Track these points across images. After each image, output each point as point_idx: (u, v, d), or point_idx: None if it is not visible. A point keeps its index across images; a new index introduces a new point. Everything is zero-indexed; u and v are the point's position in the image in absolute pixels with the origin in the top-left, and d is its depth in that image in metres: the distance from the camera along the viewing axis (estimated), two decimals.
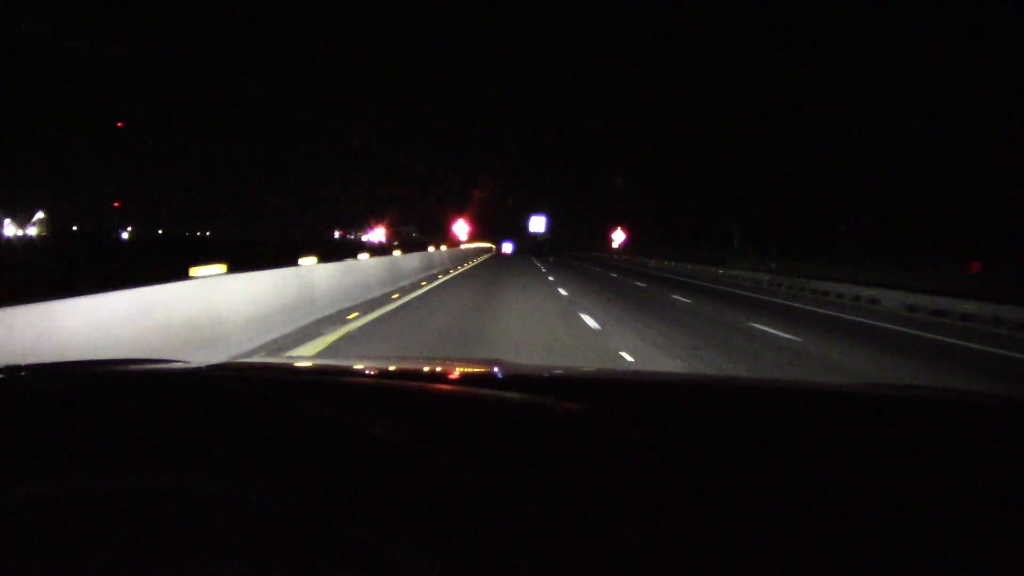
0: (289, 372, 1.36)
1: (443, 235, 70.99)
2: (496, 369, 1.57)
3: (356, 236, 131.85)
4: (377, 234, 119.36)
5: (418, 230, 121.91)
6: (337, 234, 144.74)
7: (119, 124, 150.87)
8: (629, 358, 7.83)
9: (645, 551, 0.62)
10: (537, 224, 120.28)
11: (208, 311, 6.71)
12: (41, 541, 0.51)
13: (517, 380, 1.41)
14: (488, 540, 0.50)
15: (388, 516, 0.51)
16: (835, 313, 16.69)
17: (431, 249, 26.42)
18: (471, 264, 35.87)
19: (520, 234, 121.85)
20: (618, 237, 77.16)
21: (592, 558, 0.54)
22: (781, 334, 11.12)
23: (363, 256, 14.95)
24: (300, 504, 0.51)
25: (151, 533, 0.51)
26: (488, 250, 79.73)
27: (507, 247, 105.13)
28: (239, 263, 8.65)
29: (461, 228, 65.09)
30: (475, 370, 1.64)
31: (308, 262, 10.80)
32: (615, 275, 32.05)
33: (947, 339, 12.29)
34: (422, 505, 0.52)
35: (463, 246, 53.86)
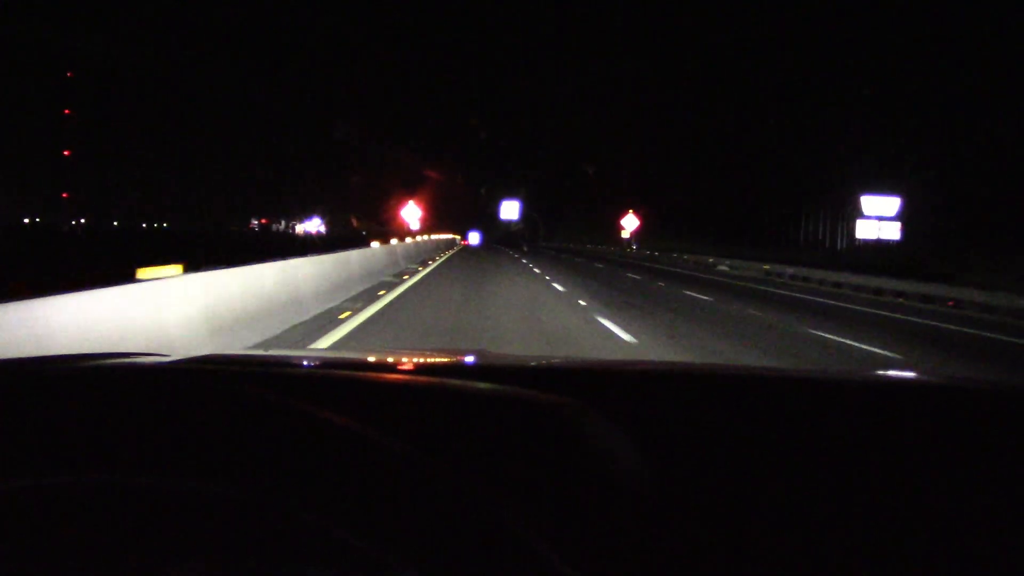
0: (266, 365, 1.32)
1: (392, 224, 50.64)
2: (474, 359, 1.56)
3: (289, 227, 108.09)
4: (314, 224, 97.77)
5: (362, 216, 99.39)
6: (255, 223, 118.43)
7: (66, 112, 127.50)
8: None
9: (629, 548, 0.62)
10: (510, 210, 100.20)
11: None
12: (14, 537, 0.51)
13: (496, 371, 1.38)
14: (467, 537, 0.50)
15: (359, 510, 0.51)
16: None
17: (304, 260, 10.22)
18: (418, 275, 15.64)
19: (489, 222, 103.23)
20: (629, 224, 55.92)
21: (571, 556, 0.54)
22: None
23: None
24: (274, 499, 0.51)
25: (126, 528, 0.52)
26: (451, 243, 58.30)
27: (474, 237, 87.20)
28: None
29: (412, 213, 42.58)
30: (458, 360, 1.62)
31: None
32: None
33: None
34: (393, 498, 0.52)
35: (415, 239, 33.42)
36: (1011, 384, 1.37)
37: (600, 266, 30.40)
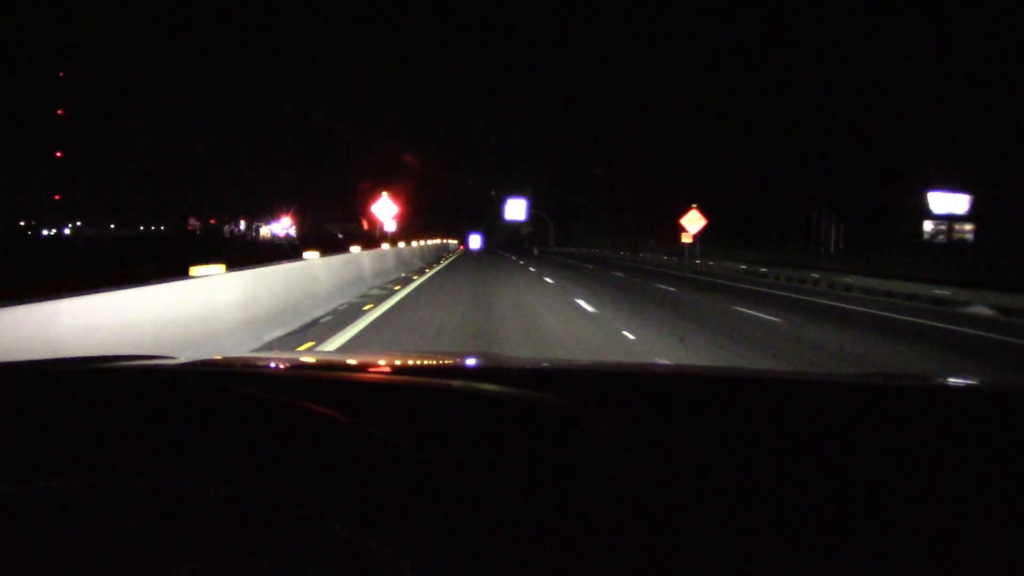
0: (269, 367, 1.33)
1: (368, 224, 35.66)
2: (477, 360, 1.56)
3: (252, 230, 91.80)
4: (283, 225, 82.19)
5: (330, 219, 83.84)
6: (196, 223, 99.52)
7: (59, 112, 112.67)
8: None
9: (630, 547, 0.63)
10: (515, 210, 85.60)
11: None
12: (19, 538, 0.52)
13: (499, 372, 1.38)
14: (469, 536, 0.50)
15: (359, 509, 0.51)
16: None
17: None
18: None
19: (492, 223, 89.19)
20: (693, 225, 40.13)
21: (573, 555, 0.53)
22: None
23: None
24: (274, 499, 0.51)
25: (126, 529, 0.52)
26: (440, 252, 42.83)
27: (475, 240, 76.03)
28: None
29: (386, 209, 26.62)
30: (460, 362, 1.62)
31: None
32: None
33: None
34: (394, 498, 0.52)
35: (395, 245, 20.93)
36: (1013, 385, 1.32)
37: (755, 315, 14.13)
